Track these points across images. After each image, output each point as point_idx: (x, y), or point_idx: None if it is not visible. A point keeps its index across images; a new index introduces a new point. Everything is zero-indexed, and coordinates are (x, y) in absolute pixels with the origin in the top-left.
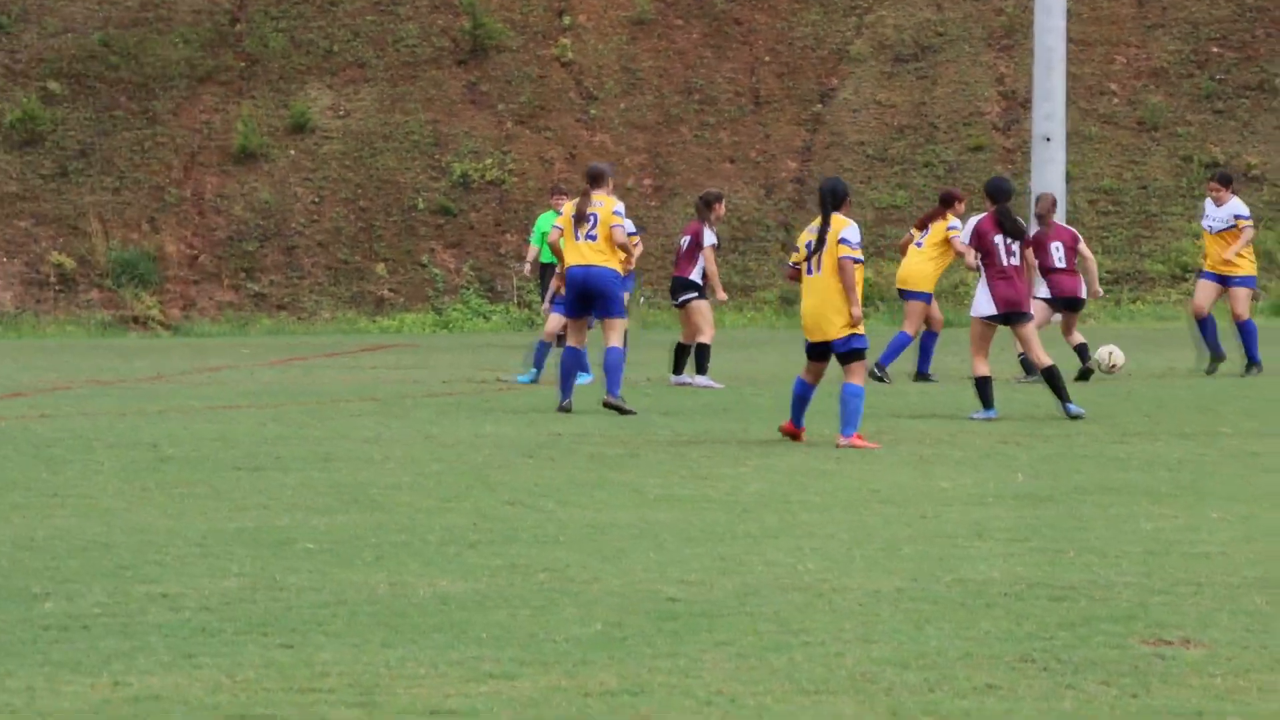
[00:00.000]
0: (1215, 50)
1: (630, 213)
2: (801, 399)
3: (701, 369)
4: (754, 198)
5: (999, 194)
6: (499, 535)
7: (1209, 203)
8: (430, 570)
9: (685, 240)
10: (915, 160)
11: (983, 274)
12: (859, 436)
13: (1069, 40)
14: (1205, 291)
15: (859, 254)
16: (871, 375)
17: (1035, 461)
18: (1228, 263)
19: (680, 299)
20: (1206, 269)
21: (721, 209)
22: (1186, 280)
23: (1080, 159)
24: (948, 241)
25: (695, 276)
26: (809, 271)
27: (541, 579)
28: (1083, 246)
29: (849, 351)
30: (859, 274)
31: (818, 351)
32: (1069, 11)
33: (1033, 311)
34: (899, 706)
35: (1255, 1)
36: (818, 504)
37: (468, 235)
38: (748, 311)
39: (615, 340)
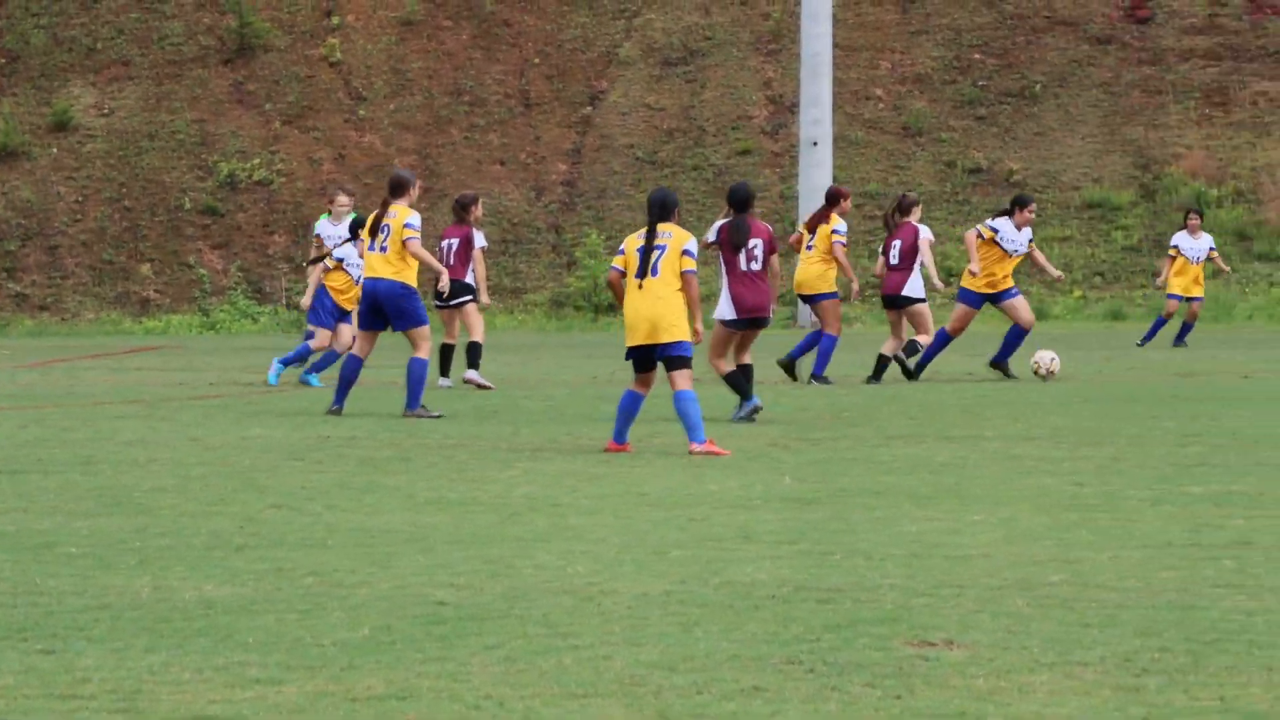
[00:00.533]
0: (977, 57)
1: None
2: (629, 413)
3: (474, 364)
4: (523, 200)
5: (734, 201)
6: (265, 539)
7: (1012, 227)
8: (195, 574)
9: (454, 243)
10: (684, 163)
11: (725, 278)
12: (712, 441)
13: (835, 46)
14: (968, 315)
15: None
16: (821, 382)
17: (802, 465)
18: (993, 284)
19: (455, 301)
20: (977, 290)
21: (479, 210)
22: (950, 285)
23: (846, 163)
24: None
25: (470, 279)
26: (640, 275)
27: (309, 583)
28: (921, 241)
29: (677, 357)
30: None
31: (643, 359)
32: (834, 17)
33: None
34: (666, 709)
35: (1015, 9)
36: (587, 507)
37: (235, 236)
38: (518, 314)
39: (420, 351)
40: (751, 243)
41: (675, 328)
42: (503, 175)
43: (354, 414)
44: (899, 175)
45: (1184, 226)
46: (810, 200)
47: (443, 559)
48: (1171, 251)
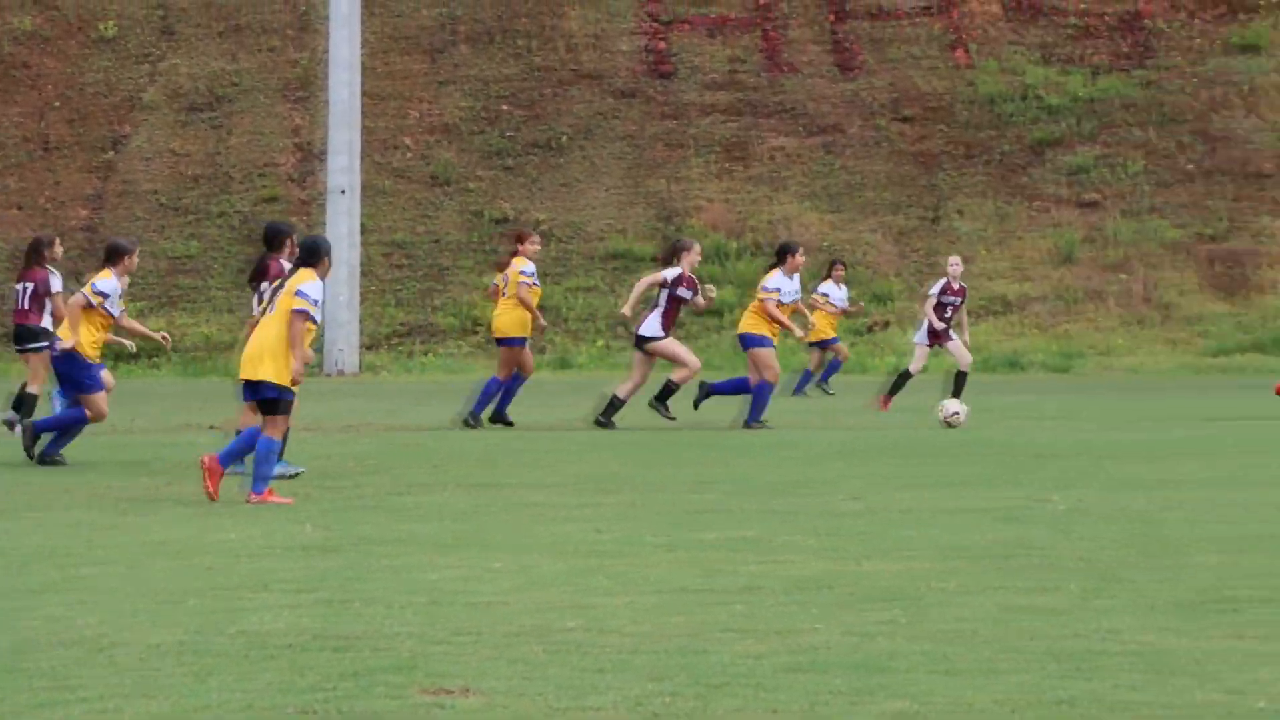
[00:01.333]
0: (505, 108)
1: None
2: (246, 443)
3: (19, 408)
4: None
5: (266, 238)
6: None
7: (786, 278)
8: None
9: (29, 287)
10: (209, 210)
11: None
12: (271, 492)
13: (364, 94)
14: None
15: (314, 310)
16: (465, 424)
17: (323, 512)
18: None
19: (29, 346)
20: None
21: (58, 250)
22: (477, 334)
23: (374, 211)
24: (520, 284)
25: (48, 324)
26: (264, 312)
27: None
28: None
29: (270, 400)
30: (309, 334)
31: (255, 396)
32: (363, 66)
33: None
34: None
35: (542, 61)
36: (100, 557)
37: None
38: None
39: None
40: (264, 285)
41: (265, 365)
42: (20, 219)
43: None
44: (426, 224)
45: (828, 276)
46: (338, 248)
47: None
48: (819, 299)
